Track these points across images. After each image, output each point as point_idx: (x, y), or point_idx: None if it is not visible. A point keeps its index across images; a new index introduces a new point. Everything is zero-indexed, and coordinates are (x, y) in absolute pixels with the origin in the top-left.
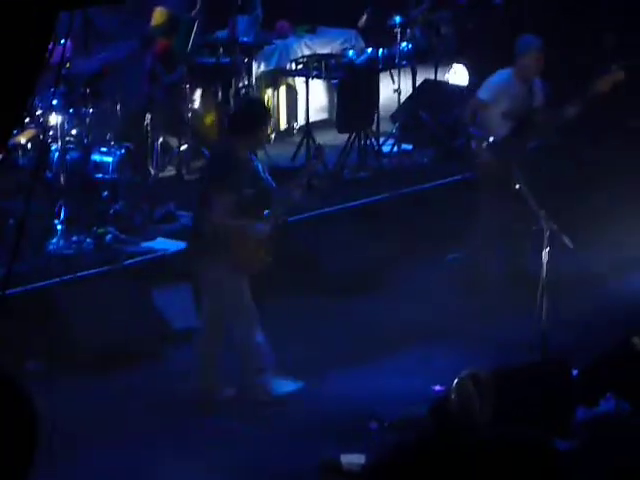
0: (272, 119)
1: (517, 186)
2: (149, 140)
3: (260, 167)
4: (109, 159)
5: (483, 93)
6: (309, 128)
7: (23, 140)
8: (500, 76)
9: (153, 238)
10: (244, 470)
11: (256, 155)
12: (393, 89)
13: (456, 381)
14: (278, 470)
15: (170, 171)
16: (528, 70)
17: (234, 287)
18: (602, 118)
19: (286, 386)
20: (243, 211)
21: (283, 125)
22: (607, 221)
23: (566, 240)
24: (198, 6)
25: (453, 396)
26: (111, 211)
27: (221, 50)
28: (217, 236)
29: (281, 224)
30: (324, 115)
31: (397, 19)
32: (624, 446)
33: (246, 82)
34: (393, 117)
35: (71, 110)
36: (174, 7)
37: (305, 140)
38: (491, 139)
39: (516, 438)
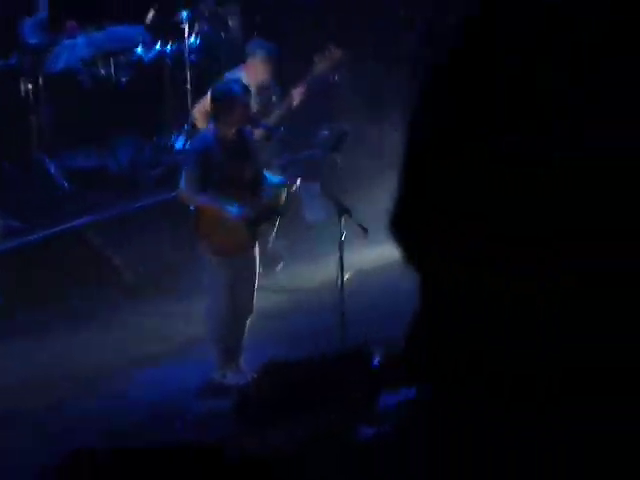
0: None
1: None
2: None
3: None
4: None
5: None
6: (101, 127)
7: None
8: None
9: None
10: None
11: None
12: (185, 85)
13: (256, 375)
14: None
15: None
16: (258, 73)
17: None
18: None
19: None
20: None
21: None
22: None
23: (361, 229)
24: None
25: (254, 390)
26: None
27: (8, 52)
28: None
29: (269, 215)
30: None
31: (184, 14)
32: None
33: (35, 84)
34: (185, 113)
35: None
36: None
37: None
38: None
39: (322, 427)
